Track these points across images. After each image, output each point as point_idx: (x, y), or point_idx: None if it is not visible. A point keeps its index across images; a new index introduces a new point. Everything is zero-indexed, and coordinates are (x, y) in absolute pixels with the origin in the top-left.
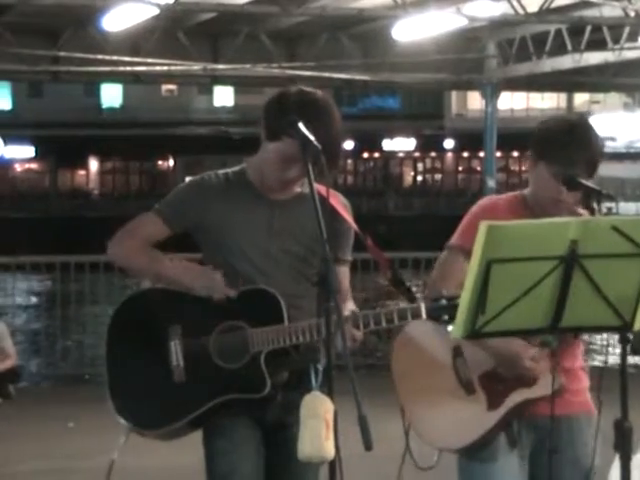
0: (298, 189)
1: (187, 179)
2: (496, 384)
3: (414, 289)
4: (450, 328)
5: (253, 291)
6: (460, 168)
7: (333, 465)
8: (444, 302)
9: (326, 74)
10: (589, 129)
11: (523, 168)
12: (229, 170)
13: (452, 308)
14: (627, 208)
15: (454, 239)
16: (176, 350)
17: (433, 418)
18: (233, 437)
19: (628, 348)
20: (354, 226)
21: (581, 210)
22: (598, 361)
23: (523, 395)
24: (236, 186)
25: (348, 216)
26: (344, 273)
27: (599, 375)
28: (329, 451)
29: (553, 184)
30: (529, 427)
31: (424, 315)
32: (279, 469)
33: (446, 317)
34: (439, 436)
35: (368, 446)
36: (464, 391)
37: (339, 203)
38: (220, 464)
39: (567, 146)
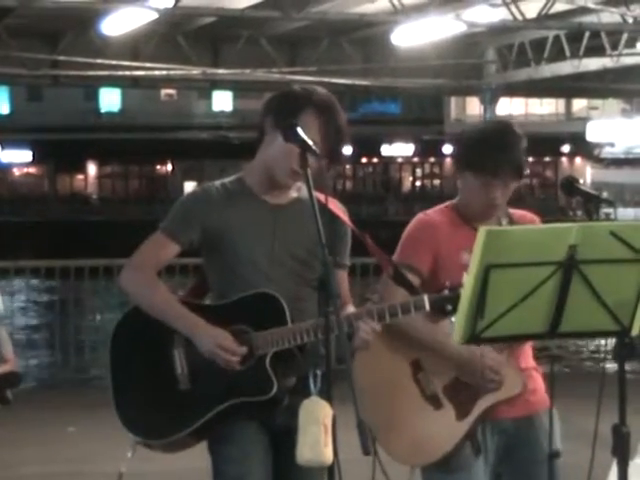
0: (295, 194)
1: (186, 184)
2: (462, 393)
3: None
4: (454, 319)
5: (255, 295)
6: None
7: (332, 470)
8: (447, 292)
9: (326, 79)
10: (510, 132)
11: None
12: (226, 180)
13: (455, 298)
14: (625, 214)
15: (395, 257)
16: (180, 358)
17: (402, 437)
18: (241, 443)
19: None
20: (352, 226)
21: (512, 210)
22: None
23: (490, 400)
24: (236, 193)
25: (347, 219)
26: (343, 277)
27: (600, 381)
28: (328, 456)
29: (483, 192)
30: (493, 432)
31: (427, 307)
32: (287, 474)
33: (450, 307)
34: (411, 454)
35: (366, 451)
36: (430, 406)
37: (337, 208)
38: (229, 471)
39: (490, 152)
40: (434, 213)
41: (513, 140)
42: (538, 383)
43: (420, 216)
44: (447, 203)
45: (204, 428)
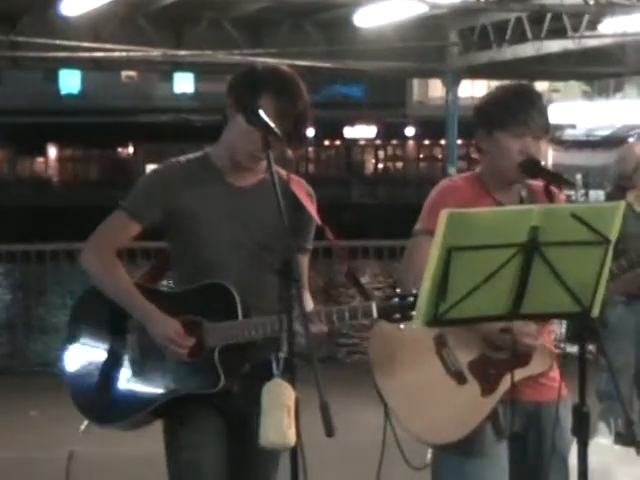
0: (261, 176)
1: (148, 167)
2: (488, 369)
3: (377, 280)
4: (402, 327)
5: (210, 285)
6: (422, 156)
7: (295, 452)
8: (396, 301)
9: (289, 61)
10: (533, 90)
11: None
12: (191, 156)
13: (404, 307)
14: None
15: (419, 224)
16: (133, 342)
17: (425, 414)
18: (196, 427)
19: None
20: (315, 218)
21: (531, 182)
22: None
23: (519, 374)
24: (200, 172)
25: (311, 205)
26: (303, 262)
27: (560, 362)
28: (291, 438)
29: (515, 148)
30: (515, 414)
31: (375, 314)
32: (243, 458)
33: (398, 316)
34: (434, 431)
35: (329, 433)
36: (455, 382)
37: (303, 191)
38: (183, 456)
39: (520, 105)
40: (460, 180)
41: (538, 96)
42: (557, 371)
43: (445, 181)
44: (470, 172)
45: (157, 411)
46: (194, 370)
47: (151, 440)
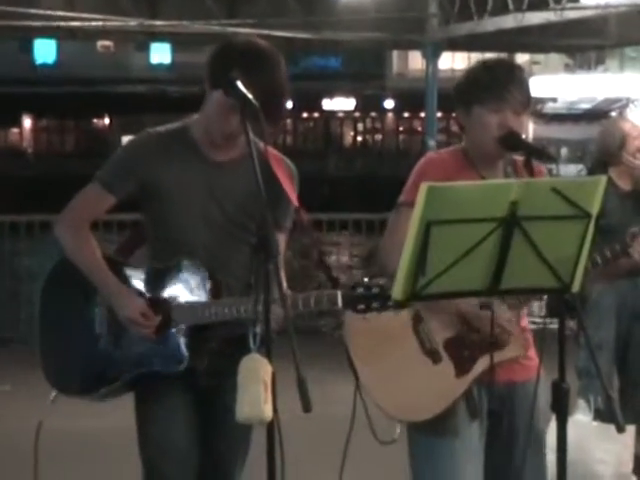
0: (240, 149)
1: (124, 138)
2: (463, 349)
3: (354, 253)
4: (368, 316)
5: (183, 263)
6: (401, 128)
7: (271, 427)
8: (361, 291)
9: (266, 31)
10: (515, 66)
11: None
12: (170, 127)
13: (368, 298)
14: (567, 170)
15: (402, 196)
16: (101, 318)
17: (398, 390)
18: (165, 403)
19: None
20: (293, 200)
21: (517, 158)
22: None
23: (494, 358)
24: (178, 144)
25: (290, 184)
26: (281, 240)
27: (540, 337)
28: (267, 413)
29: (494, 122)
30: (487, 396)
31: (340, 303)
32: (213, 431)
33: (362, 306)
34: (405, 408)
35: (307, 408)
36: (430, 360)
37: (282, 168)
38: (153, 431)
39: (498, 78)
40: (445, 153)
41: (519, 70)
42: (532, 347)
43: (430, 154)
44: (457, 146)
45: (125, 386)
46: (160, 349)
47: (122, 412)
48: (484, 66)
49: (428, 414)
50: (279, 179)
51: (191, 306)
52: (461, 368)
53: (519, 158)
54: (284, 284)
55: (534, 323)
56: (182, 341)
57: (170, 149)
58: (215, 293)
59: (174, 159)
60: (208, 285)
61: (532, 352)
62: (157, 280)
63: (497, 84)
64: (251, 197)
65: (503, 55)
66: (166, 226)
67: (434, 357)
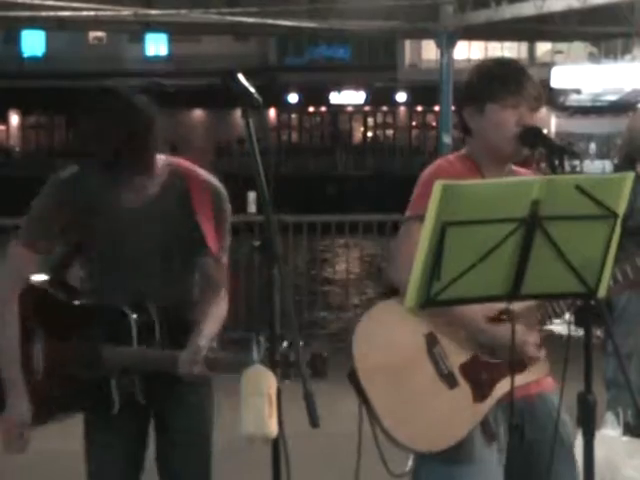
0: (156, 188)
1: None
2: (480, 373)
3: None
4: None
5: (111, 307)
6: (414, 123)
7: (277, 444)
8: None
9: (270, 21)
10: (522, 67)
11: None
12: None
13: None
14: (592, 167)
15: (410, 210)
16: (38, 353)
17: (412, 420)
18: (100, 440)
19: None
20: (205, 231)
21: (516, 168)
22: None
23: (516, 381)
24: (114, 178)
25: (208, 211)
26: (209, 265)
27: (565, 346)
28: (272, 429)
29: (510, 120)
30: (506, 414)
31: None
32: (169, 456)
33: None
34: (421, 439)
35: (315, 423)
36: (445, 385)
37: (203, 195)
38: (93, 453)
39: (514, 75)
40: (454, 159)
41: (527, 71)
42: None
43: (440, 161)
44: (462, 151)
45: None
46: (92, 389)
47: (72, 436)
48: (492, 63)
49: (445, 444)
50: (195, 210)
51: (119, 352)
52: (479, 392)
53: (518, 169)
54: (222, 311)
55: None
56: (113, 386)
57: (105, 183)
58: (142, 339)
59: (108, 192)
60: (131, 332)
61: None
62: (86, 319)
63: (513, 79)
64: (182, 226)
65: (523, 44)
66: (100, 259)
67: (450, 382)
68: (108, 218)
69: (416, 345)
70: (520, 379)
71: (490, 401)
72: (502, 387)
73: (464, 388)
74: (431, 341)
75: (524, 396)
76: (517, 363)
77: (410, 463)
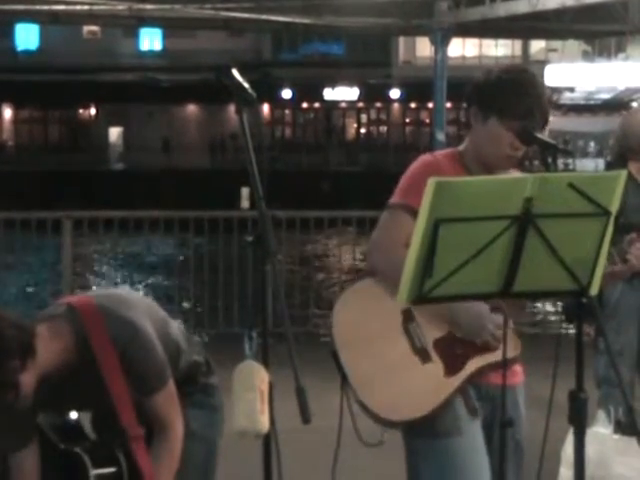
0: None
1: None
2: (454, 349)
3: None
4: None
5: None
6: (407, 120)
7: (268, 439)
8: None
9: (264, 16)
10: (537, 79)
11: None
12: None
13: None
14: (585, 165)
15: (395, 197)
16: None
17: (384, 389)
18: None
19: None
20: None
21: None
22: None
23: (486, 359)
24: None
25: (119, 372)
26: (155, 402)
27: (556, 343)
28: (264, 424)
29: (507, 140)
30: (482, 398)
31: None
32: None
33: None
34: (392, 408)
35: (306, 419)
36: (418, 359)
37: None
38: None
39: (524, 97)
40: (441, 156)
41: (542, 87)
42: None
43: (426, 156)
44: (454, 149)
45: None
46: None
47: None
48: (510, 77)
49: (413, 414)
50: (105, 379)
51: None
52: (450, 368)
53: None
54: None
55: (549, 327)
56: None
57: None
58: None
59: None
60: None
61: (518, 354)
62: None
63: (522, 102)
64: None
65: (517, 42)
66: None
67: (423, 357)
68: None
69: (393, 320)
70: (491, 357)
71: (460, 376)
72: (473, 364)
73: (436, 363)
74: (408, 317)
75: (499, 385)
76: (484, 345)
77: (385, 434)
